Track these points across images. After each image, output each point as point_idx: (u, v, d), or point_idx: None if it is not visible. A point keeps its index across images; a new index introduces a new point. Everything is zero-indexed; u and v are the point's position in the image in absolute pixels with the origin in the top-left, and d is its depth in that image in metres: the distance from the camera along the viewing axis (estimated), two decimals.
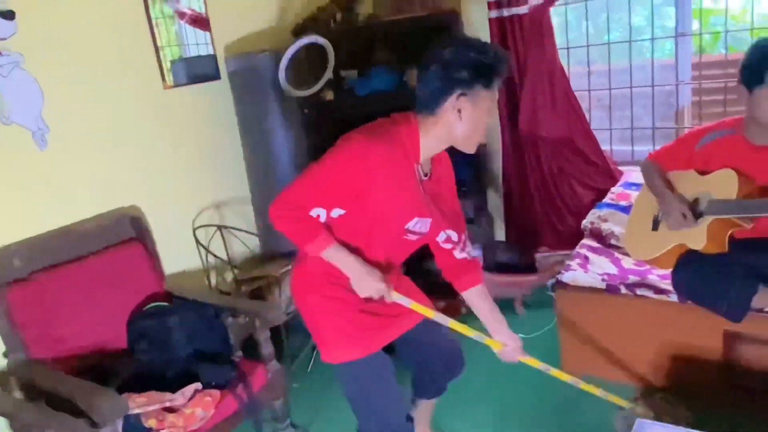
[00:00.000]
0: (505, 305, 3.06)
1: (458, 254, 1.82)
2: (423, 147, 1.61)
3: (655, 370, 2.36)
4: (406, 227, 1.68)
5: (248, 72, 2.95)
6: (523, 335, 2.83)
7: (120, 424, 1.86)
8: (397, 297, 1.71)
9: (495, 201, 3.60)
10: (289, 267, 2.87)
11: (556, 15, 3.19)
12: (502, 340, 1.84)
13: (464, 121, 1.57)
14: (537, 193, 3.38)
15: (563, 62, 3.20)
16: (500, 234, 3.64)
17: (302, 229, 1.60)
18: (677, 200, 2.14)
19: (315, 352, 2.88)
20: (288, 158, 3.03)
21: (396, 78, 3.20)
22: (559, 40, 3.18)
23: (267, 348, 2.32)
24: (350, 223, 1.64)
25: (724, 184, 2.05)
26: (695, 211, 2.13)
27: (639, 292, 2.34)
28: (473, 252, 1.87)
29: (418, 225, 1.69)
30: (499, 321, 1.85)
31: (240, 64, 2.97)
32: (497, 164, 3.49)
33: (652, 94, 3.16)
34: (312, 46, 2.83)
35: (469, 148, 1.64)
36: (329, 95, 3.05)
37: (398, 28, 3.26)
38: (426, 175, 1.68)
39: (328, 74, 2.74)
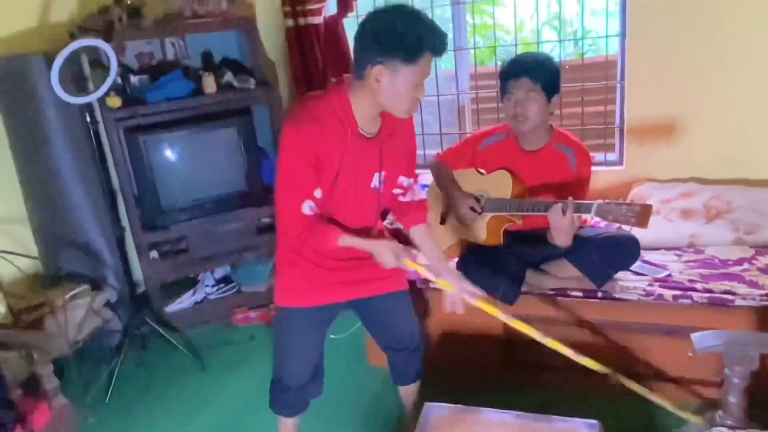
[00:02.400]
0: None
1: (404, 199, 1.93)
2: (356, 111, 1.65)
3: (447, 356, 2.56)
4: (372, 186, 1.76)
5: (15, 76, 2.64)
6: (333, 336, 2.95)
7: None
8: (408, 264, 1.80)
9: None
10: (76, 291, 2.63)
11: (350, 27, 3.32)
12: (450, 280, 1.87)
13: (384, 90, 1.58)
14: None
15: None
16: None
17: (320, 236, 1.72)
18: (464, 196, 2.35)
19: (113, 382, 2.66)
20: (71, 171, 2.76)
21: (192, 84, 3.09)
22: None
23: (50, 383, 2.11)
24: (324, 202, 1.71)
25: (499, 184, 2.30)
26: (477, 210, 2.36)
27: (432, 284, 2.51)
28: (420, 195, 1.97)
29: (377, 180, 1.77)
30: (441, 259, 1.93)
31: (5, 68, 2.64)
32: None
33: (437, 102, 3.43)
34: (98, 50, 2.61)
35: (398, 115, 1.67)
36: (116, 102, 2.84)
37: (190, 32, 3.15)
38: (372, 134, 1.71)
39: (111, 80, 2.54)
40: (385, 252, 1.75)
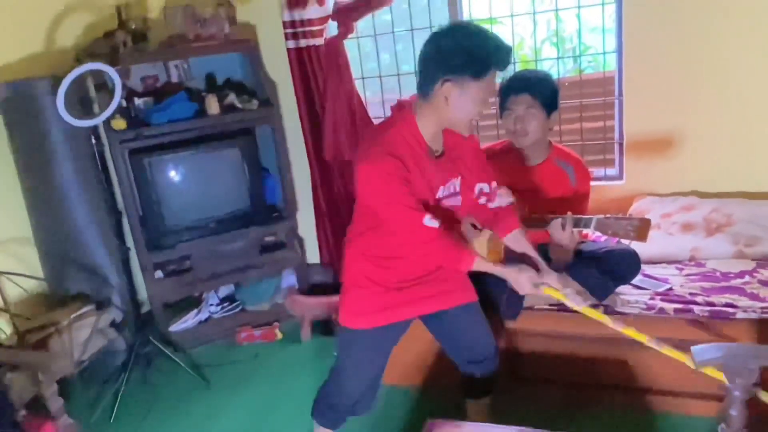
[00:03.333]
0: (321, 327, 3.17)
1: (492, 205, 1.93)
2: (423, 131, 1.71)
3: (448, 369, 2.55)
4: (437, 197, 1.78)
5: (23, 100, 2.69)
6: (336, 353, 2.95)
7: None
8: (548, 292, 1.81)
9: (307, 224, 3.66)
10: (81, 311, 2.65)
11: (351, 48, 3.37)
12: (558, 285, 1.85)
13: (451, 107, 1.63)
14: (347, 214, 3.49)
15: (360, 91, 3.39)
16: (314, 256, 3.70)
17: (452, 257, 1.76)
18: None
19: (118, 401, 2.67)
20: (77, 192, 2.80)
21: (196, 105, 3.13)
22: (355, 71, 3.36)
23: (55, 403, 2.12)
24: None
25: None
26: (474, 224, 2.37)
27: None
28: (504, 200, 1.95)
29: (446, 191, 1.79)
30: (541, 262, 1.89)
31: (13, 91, 2.69)
32: (307, 188, 3.56)
33: None
34: (103, 74, 2.66)
35: (462, 131, 1.73)
36: (121, 124, 2.89)
37: (193, 55, 3.20)
38: (438, 152, 1.77)
39: (116, 102, 2.59)
40: (522, 280, 1.77)
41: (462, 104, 1.63)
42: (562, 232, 2.02)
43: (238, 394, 2.77)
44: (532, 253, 1.91)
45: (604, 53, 3.15)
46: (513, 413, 2.01)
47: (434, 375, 2.60)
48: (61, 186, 2.77)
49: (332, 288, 3.40)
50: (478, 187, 1.90)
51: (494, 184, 1.93)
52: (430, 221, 1.68)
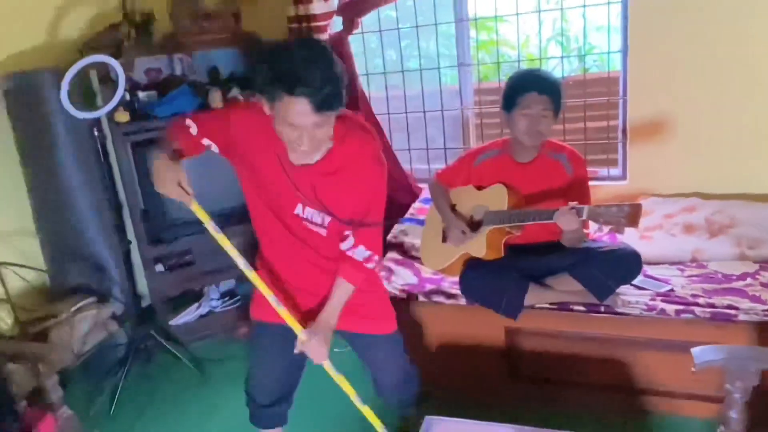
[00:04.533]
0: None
1: (342, 245, 1.75)
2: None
3: (445, 370, 2.56)
4: (295, 212, 1.70)
5: (26, 91, 2.69)
6: (337, 349, 2.95)
7: None
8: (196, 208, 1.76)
9: None
10: (82, 303, 2.66)
11: (355, 44, 3.36)
12: (310, 331, 1.75)
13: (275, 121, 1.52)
14: None
15: (364, 88, 3.38)
16: None
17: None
18: (456, 219, 2.38)
19: (118, 394, 2.68)
20: (80, 184, 2.81)
21: (199, 99, 3.13)
22: (360, 67, 3.35)
23: (55, 394, 2.12)
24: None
25: (496, 198, 2.32)
26: (475, 223, 2.37)
27: (434, 298, 2.53)
28: (357, 254, 1.74)
29: (309, 214, 1.70)
30: (328, 315, 1.76)
31: (16, 83, 2.69)
32: None
33: (442, 117, 3.46)
34: (107, 66, 2.66)
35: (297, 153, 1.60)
36: (124, 117, 2.88)
37: (197, 49, 3.19)
38: (302, 164, 1.63)
39: (119, 95, 2.59)
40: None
41: (276, 121, 1.50)
42: (569, 220, 2.01)
43: (239, 389, 2.76)
44: (333, 305, 1.78)
45: (609, 53, 3.14)
46: (511, 412, 2.00)
47: (435, 375, 2.59)
48: (64, 178, 2.78)
49: None
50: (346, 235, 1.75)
51: (357, 238, 1.74)
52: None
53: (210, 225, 1.77)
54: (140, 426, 2.57)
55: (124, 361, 2.76)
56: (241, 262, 1.76)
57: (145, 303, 3.17)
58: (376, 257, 1.78)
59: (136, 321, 2.89)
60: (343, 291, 1.77)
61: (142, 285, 3.16)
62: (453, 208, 2.47)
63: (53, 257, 2.85)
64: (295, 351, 1.76)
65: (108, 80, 2.82)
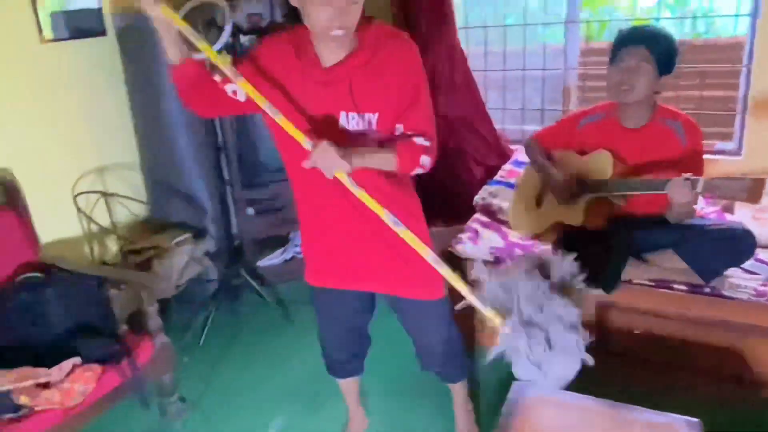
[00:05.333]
0: None
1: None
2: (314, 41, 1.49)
3: None
4: (340, 126, 1.51)
5: (138, 30, 2.77)
6: None
7: None
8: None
9: None
10: (180, 238, 2.78)
11: None
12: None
13: (305, 14, 1.42)
14: (434, 170, 3.44)
15: (462, 43, 3.28)
16: None
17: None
18: (561, 175, 2.27)
19: (208, 326, 2.81)
20: (183, 123, 2.89)
21: None
22: (459, 20, 3.24)
23: (154, 321, 2.23)
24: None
25: (600, 165, 2.20)
26: (574, 189, 2.27)
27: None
28: (417, 140, 1.53)
29: (354, 122, 1.51)
30: (354, 150, 1.48)
31: (129, 21, 2.78)
32: None
33: (542, 77, 3.31)
34: (212, 9, 2.70)
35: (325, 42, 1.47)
36: (226, 60, 2.92)
37: None
38: (334, 63, 1.48)
39: (225, 38, 2.61)
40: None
41: (307, 9, 1.40)
42: (682, 192, 1.87)
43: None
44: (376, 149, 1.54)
45: (737, 15, 2.87)
46: (594, 388, 1.93)
47: None
48: (168, 117, 2.87)
49: None
50: (397, 127, 1.54)
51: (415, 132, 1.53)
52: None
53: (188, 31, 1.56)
54: (226, 359, 2.70)
55: (214, 296, 2.89)
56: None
57: (235, 243, 3.28)
58: (432, 151, 1.53)
59: (228, 259, 3.00)
60: (383, 154, 1.50)
61: (234, 226, 3.27)
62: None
63: (155, 192, 2.98)
64: (305, 165, 1.45)
65: (212, 24, 2.86)
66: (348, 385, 2.08)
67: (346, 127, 1.52)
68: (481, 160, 3.38)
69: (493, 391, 2.26)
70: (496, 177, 3.12)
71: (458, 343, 1.90)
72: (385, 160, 1.50)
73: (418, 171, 1.54)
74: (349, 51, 1.48)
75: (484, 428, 2.11)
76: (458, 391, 2.04)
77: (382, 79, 1.48)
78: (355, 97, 1.49)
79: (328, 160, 1.41)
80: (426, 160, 1.52)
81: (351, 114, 1.51)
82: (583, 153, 2.30)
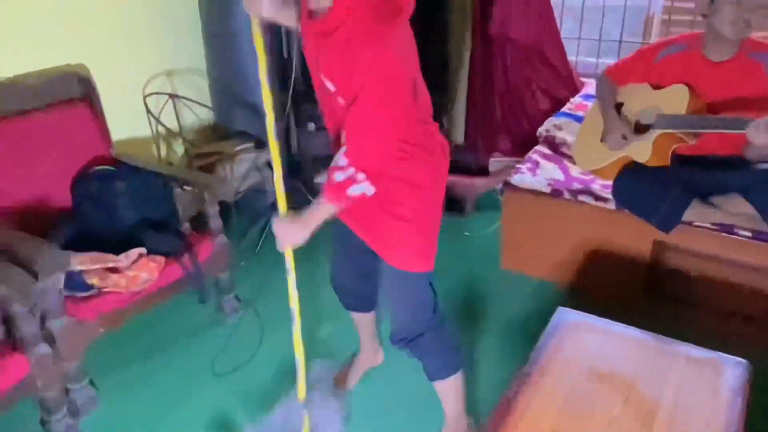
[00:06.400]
0: (454, 205, 3.19)
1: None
2: None
3: (584, 273, 2.50)
4: (321, 81, 1.43)
5: None
6: (467, 233, 2.97)
7: (62, 279, 1.87)
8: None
9: (458, 103, 3.58)
10: (243, 146, 2.84)
11: None
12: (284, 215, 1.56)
13: None
14: (499, 98, 3.37)
15: None
16: (459, 136, 3.65)
17: None
18: (618, 121, 2.19)
19: (264, 236, 2.91)
20: (249, 34, 2.88)
21: None
22: None
23: (215, 222, 2.33)
24: None
25: (675, 99, 2.09)
26: (642, 125, 2.18)
27: (580, 198, 2.43)
28: (338, 162, 1.39)
29: (328, 84, 1.41)
30: (306, 211, 1.50)
31: None
32: (465, 66, 3.43)
33: (624, 8, 3.12)
34: None
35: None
36: None
37: None
38: (314, 13, 1.38)
39: None
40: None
41: None
42: (765, 135, 1.77)
43: None
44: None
45: None
46: (649, 328, 1.92)
47: (569, 275, 2.55)
48: (237, 26, 2.87)
49: (469, 170, 3.36)
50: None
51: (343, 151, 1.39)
52: None
53: None
54: (279, 267, 2.79)
55: (273, 206, 2.97)
56: None
57: (295, 158, 3.34)
58: (363, 182, 1.36)
59: (286, 172, 3.06)
60: (319, 206, 1.45)
61: (294, 139, 3.32)
62: (619, 107, 2.28)
63: (220, 99, 3.04)
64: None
65: None
66: (358, 318, 2.04)
67: (326, 87, 1.42)
68: (549, 92, 3.27)
69: (536, 321, 2.28)
70: (564, 109, 3.02)
71: (436, 332, 1.67)
72: (326, 210, 1.45)
73: (358, 194, 1.38)
74: (322, 10, 1.34)
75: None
76: (443, 393, 1.78)
77: (338, 63, 1.34)
78: (320, 60, 1.40)
79: (281, 236, 1.52)
80: (357, 189, 1.37)
81: (323, 76, 1.42)
82: (658, 88, 2.19)
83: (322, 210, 1.46)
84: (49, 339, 1.82)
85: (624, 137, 2.17)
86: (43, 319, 1.82)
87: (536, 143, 2.89)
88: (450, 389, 1.77)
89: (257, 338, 2.34)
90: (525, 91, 3.30)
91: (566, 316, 1.64)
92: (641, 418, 1.29)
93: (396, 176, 1.48)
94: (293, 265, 1.65)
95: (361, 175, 1.36)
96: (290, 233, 1.52)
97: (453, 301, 2.54)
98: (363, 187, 1.38)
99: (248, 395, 2.08)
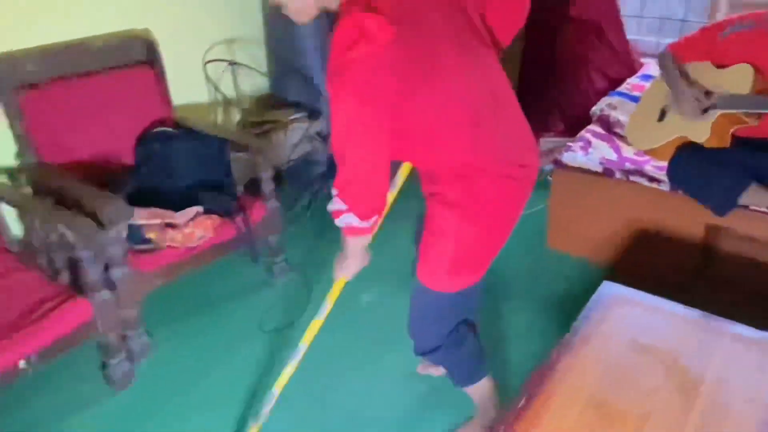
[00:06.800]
0: None
1: None
2: None
3: (632, 254, 2.47)
4: None
5: None
6: None
7: (124, 230, 1.98)
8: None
9: (511, 79, 3.55)
10: (296, 116, 2.90)
11: None
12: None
13: None
14: (553, 77, 3.33)
15: None
16: None
17: None
18: (691, 88, 2.13)
19: (314, 202, 2.98)
20: None
21: None
22: None
23: (268, 186, 2.39)
24: None
25: (738, 79, 2.04)
26: (704, 103, 2.13)
27: (632, 178, 2.39)
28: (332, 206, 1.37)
29: None
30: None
31: None
32: (518, 42, 3.39)
33: None
34: None
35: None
36: None
37: None
38: None
39: None
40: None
41: None
42: None
43: None
44: None
45: None
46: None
47: (617, 256, 2.52)
48: None
49: None
50: None
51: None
52: None
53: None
54: (327, 235, 2.86)
55: (323, 176, 3.03)
56: None
57: None
58: (346, 213, 1.33)
59: None
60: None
61: None
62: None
63: (276, 69, 3.10)
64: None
65: None
66: None
67: None
68: (605, 71, 3.20)
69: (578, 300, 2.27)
70: (620, 89, 2.96)
71: (452, 348, 1.63)
72: (346, 240, 1.45)
73: (344, 225, 1.37)
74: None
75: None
76: (470, 393, 1.78)
77: None
78: None
79: (335, 265, 1.57)
80: (343, 220, 1.35)
81: None
82: (721, 66, 2.13)
83: (344, 240, 1.45)
84: (111, 286, 1.93)
85: (698, 100, 2.09)
86: (105, 268, 1.94)
87: (589, 123, 2.85)
88: (475, 393, 1.76)
89: (304, 301, 2.41)
90: (580, 70, 3.25)
91: (611, 289, 1.63)
92: (683, 389, 1.28)
93: (431, 191, 1.47)
94: (334, 298, 1.66)
95: (344, 206, 1.32)
96: (339, 263, 1.56)
97: (493, 275, 2.55)
98: (348, 218, 1.34)
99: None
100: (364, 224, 1.35)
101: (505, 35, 1.51)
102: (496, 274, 2.56)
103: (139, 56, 2.49)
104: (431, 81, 1.29)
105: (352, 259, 1.51)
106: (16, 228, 2.23)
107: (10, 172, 2.25)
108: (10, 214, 2.18)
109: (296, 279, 2.56)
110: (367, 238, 1.44)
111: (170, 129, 2.44)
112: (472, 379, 1.74)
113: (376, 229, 1.42)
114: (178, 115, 2.58)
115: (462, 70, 1.33)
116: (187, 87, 2.76)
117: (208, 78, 2.82)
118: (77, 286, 1.92)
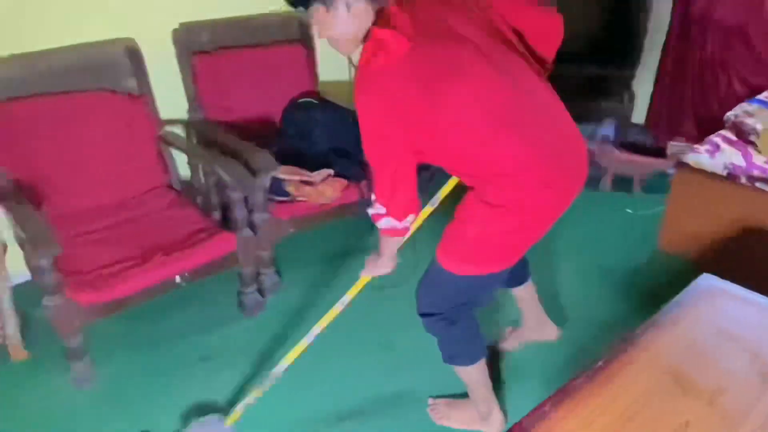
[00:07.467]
0: (622, 183, 3.19)
1: None
2: None
3: (748, 263, 2.40)
4: None
5: None
6: (630, 210, 2.98)
7: (268, 181, 2.30)
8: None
9: (644, 79, 3.51)
10: None
11: None
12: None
13: None
14: (691, 81, 3.26)
15: None
16: (638, 113, 3.59)
17: None
18: None
19: (434, 178, 3.15)
20: None
21: None
22: None
23: None
24: None
25: None
26: None
27: (758, 185, 2.34)
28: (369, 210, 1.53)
29: None
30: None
31: None
32: (658, 44, 3.35)
33: None
34: None
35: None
36: None
37: None
38: None
39: None
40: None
41: None
42: None
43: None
44: None
45: None
46: None
47: (748, 264, 2.46)
48: None
49: (645, 149, 3.30)
50: None
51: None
52: None
53: None
54: (443, 209, 3.03)
55: None
56: None
57: None
58: (386, 217, 1.46)
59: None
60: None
61: None
62: None
63: None
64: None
65: None
66: (515, 293, 2.07)
67: None
68: (746, 77, 3.09)
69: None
70: (759, 96, 2.87)
71: (446, 322, 1.69)
72: (384, 240, 1.61)
73: (386, 227, 1.50)
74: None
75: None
76: (460, 376, 1.81)
77: None
78: None
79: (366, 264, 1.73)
80: (383, 223, 1.48)
81: None
82: None
83: (382, 241, 1.62)
84: (252, 227, 2.26)
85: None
86: (250, 212, 2.27)
87: (721, 129, 2.79)
88: (464, 376, 1.80)
89: (412, 266, 2.61)
90: (720, 75, 3.16)
91: (709, 281, 1.66)
92: (762, 375, 1.31)
93: (469, 185, 1.53)
94: (356, 291, 1.80)
95: (383, 209, 1.45)
96: (371, 262, 1.73)
97: (597, 268, 2.61)
98: (388, 221, 1.47)
99: (400, 309, 2.33)
100: (400, 225, 1.48)
101: (545, 49, 1.55)
102: (599, 264, 2.62)
103: (295, 35, 2.82)
104: (452, 85, 1.35)
105: (385, 258, 1.67)
106: (182, 171, 2.64)
107: (183, 125, 2.66)
108: (180, 160, 2.59)
109: (407, 245, 2.76)
110: (401, 239, 1.58)
111: (313, 99, 2.74)
112: (454, 359, 1.77)
113: (410, 231, 1.55)
114: (321, 90, 2.88)
115: (486, 74, 1.38)
116: (333, 66, 3.04)
117: (350, 61, 3.08)
118: (226, 224, 2.27)
